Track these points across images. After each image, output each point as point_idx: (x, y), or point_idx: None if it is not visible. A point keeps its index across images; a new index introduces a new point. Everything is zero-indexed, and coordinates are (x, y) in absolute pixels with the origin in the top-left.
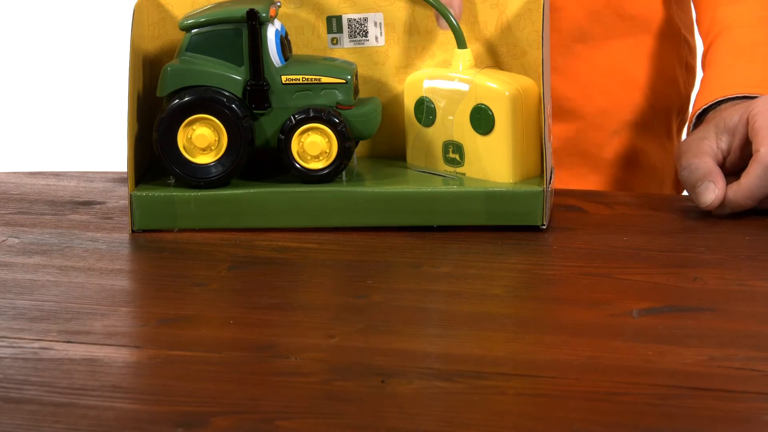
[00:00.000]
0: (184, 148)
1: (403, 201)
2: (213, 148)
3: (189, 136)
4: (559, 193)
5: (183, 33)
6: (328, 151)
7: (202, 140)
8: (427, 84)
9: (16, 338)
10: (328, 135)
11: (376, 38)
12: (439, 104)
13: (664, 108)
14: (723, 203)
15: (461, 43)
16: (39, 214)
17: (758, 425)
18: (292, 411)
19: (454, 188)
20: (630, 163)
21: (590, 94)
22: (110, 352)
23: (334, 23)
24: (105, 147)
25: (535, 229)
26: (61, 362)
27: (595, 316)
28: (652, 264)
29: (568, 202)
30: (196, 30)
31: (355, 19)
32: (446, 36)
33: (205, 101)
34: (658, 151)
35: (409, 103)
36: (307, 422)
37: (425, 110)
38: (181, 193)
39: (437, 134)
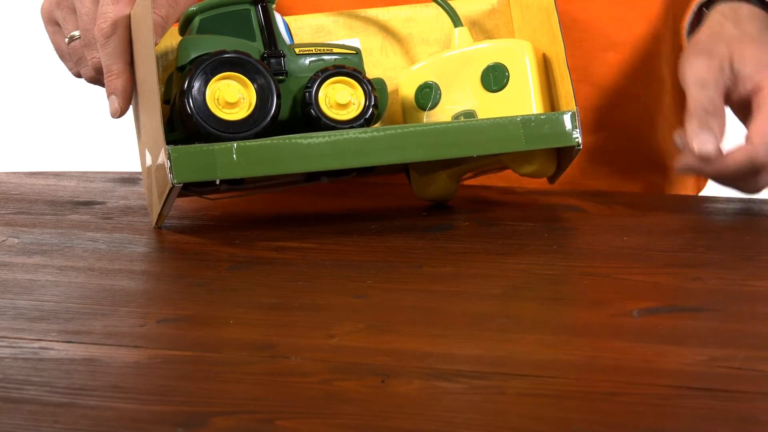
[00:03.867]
0: (215, 105)
1: (442, 134)
2: (242, 104)
3: (217, 96)
4: (559, 192)
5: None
6: (355, 102)
7: (232, 95)
8: (430, 68)
9: (16, 338)
10: (353, 87)
11: None
12: (445, 81)
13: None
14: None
15: (456, 22)
16: (39, 214)
17: (758, 425)
18: (292, 411)
19: (491, 118)
20: (658, 166)
21: (619, 102)
22: (110, 352)
23: None
24: (105, 147)
25: (569, 152)
26: (61, 362)
27: (595, 316)
28: (652, 264)
29: (568, 202)
30: (203, 14)
31: None
32: (422, 54)
33: (232, 59)
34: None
35: (409, 95)
36: (307, 422)
37: (429, 93)
38: (220, 144)
39: (444, 111)
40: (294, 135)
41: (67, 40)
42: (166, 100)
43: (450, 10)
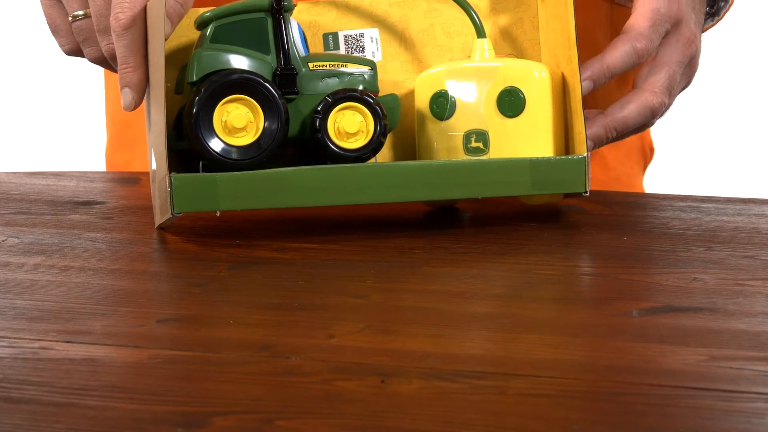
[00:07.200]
0: (222, 129)
1: (449, 173)
2: (250, 129)
3: (224, 119)
4: None
5: (195, 33)
6: (365, 130)
7: (239, 120)
8: (447, 76)
9: (16, 338)
10: (363, 113)
11: (373, 54)
12: (461, 94)
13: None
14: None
15: (480, 33)
16: (39, 214)
17: (758, 425)
18: (292, 411)
19: (499, 159)
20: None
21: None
22: (110, 352)
23: (330, 40)
24: (105, 147)
25: (576, 195)
26: (61, 362)
27: (595, 316)
28: (652, 264)
29: (568, 202)
30: (218, 21)
31: (351, 36)
32: (442, 48)
33: (241, 81)
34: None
35: (423, 101)
36: (307, 422)
37: (444, 103)
38: (223, 174)
39: (458, 125)
40: (298, 168)
41: (70, 18)
42: (178, 91)
43: (475, 19)
